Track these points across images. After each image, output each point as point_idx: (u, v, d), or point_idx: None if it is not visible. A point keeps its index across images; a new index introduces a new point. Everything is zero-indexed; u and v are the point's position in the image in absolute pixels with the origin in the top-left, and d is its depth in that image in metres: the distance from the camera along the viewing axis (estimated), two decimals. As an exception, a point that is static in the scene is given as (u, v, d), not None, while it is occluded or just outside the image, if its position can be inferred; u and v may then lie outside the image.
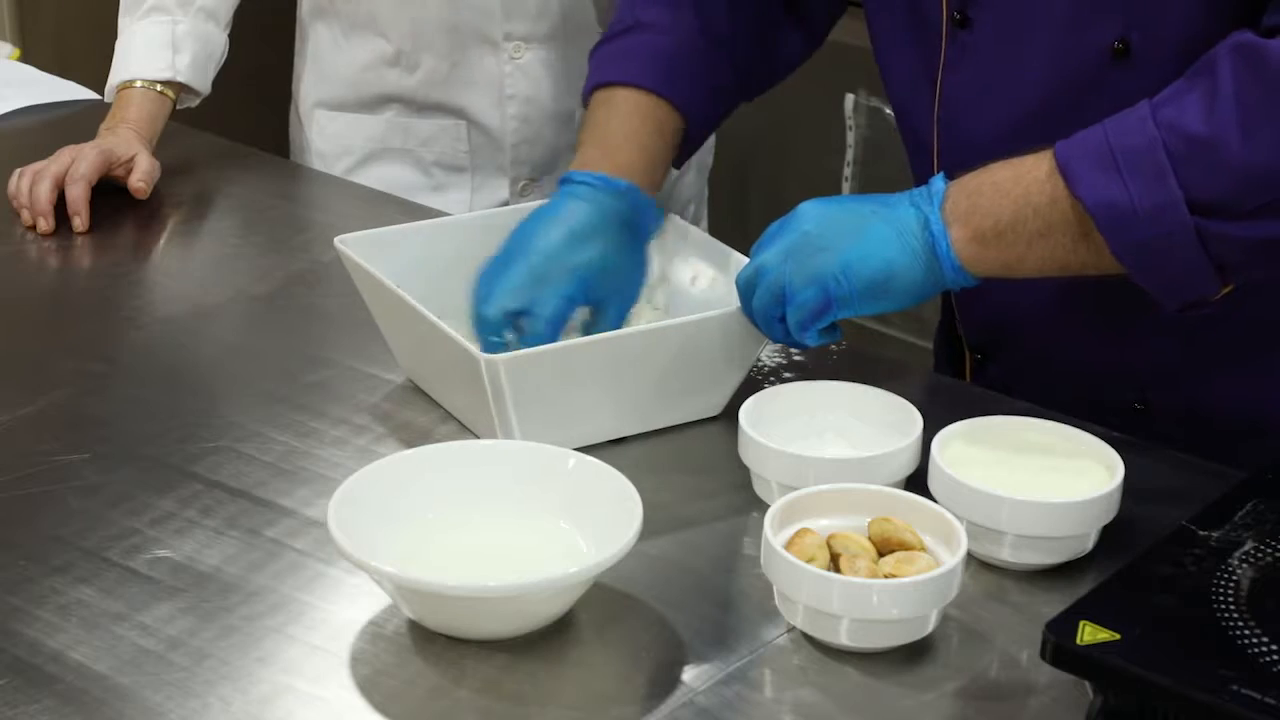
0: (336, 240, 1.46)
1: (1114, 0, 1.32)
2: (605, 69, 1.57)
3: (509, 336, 1.39)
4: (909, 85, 1.50)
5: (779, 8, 1.61)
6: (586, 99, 1.57)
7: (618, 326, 1.45)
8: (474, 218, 1.57)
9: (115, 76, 1.96)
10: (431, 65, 1.98)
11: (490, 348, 1.37)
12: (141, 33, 1.96)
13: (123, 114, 1.92)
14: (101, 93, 2.02)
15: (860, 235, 1.31)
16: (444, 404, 1.44)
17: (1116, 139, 1.25)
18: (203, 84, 1.98)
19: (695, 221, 2.18)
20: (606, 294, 1.44)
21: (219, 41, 2.00)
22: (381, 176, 2.03)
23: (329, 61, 2.05)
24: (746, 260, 1.47)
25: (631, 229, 1.46)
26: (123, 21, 1.99)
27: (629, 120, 1.52)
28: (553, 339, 1.39)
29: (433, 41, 1.97)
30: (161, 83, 1.94)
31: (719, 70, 1.58)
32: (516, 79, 1.98)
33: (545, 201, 1.49)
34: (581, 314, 1.45)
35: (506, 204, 2.03)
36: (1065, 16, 1.35)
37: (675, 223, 1.54)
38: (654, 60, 1.54)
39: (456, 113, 2.01)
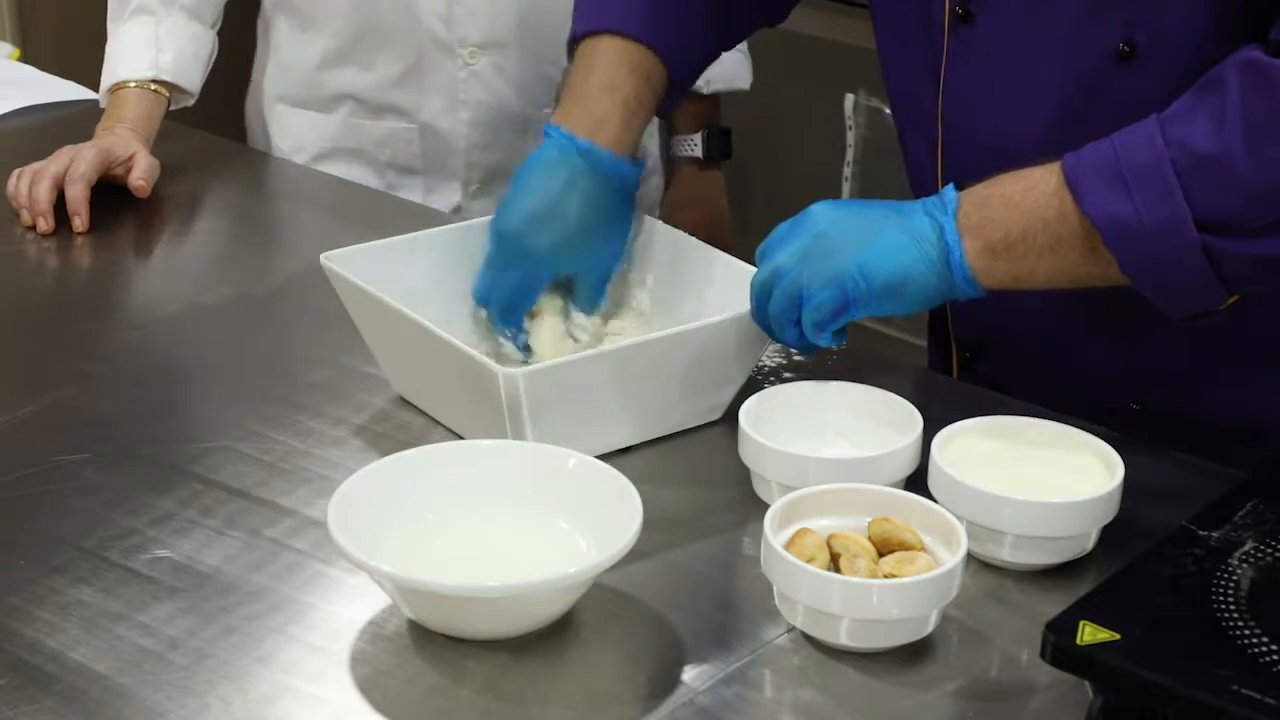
0: (322, 257, 1.44)
1: (1117, 1, 1.32)
2: (587, 17, 1.56)
3: (505, 332, 1.49)
4: (913, 81, 1.49)
5: None
6: (571, 49, 1.57)
7: (593, 299, 1.49)
8: (459, 229, 1.55)
9: (106, 81, 1.96)
10: (385, 67, 1.99)
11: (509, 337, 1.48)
12: (127, 35, 1.97)
13: (119, 113, 1.92)
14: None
15: (876, 238, 1.31)
16: (445, 421, 1.43)
17: (1125, 155, 1.25)
18: (190, 82, 1.97)
19: None
20: (579, 264, 1.46)
21: (206, 39, 2.00)
22: (336, 175, 2.04)
23: (288, 56, 2.05)
24: (736, 261, 1.47)
25: (602, 194, 1.47)
26: (110, 28, 2.00)
27: (612, 69, 1.52)
28: (514, 324, 1.47)
29: (387, 43, 1.97)
30: (153, 81, 1.94)
31: (698, 14, 1.58)
32: (471, 85, 1.98)
33: None
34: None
35: (459, 208, 2.03)
36: (1069, 17, 1.35)
37: (654, 224, 1.54)
38: (635, 6, 1.54)
39: (409, 116, 2.01)
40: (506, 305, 1.48)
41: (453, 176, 2.03)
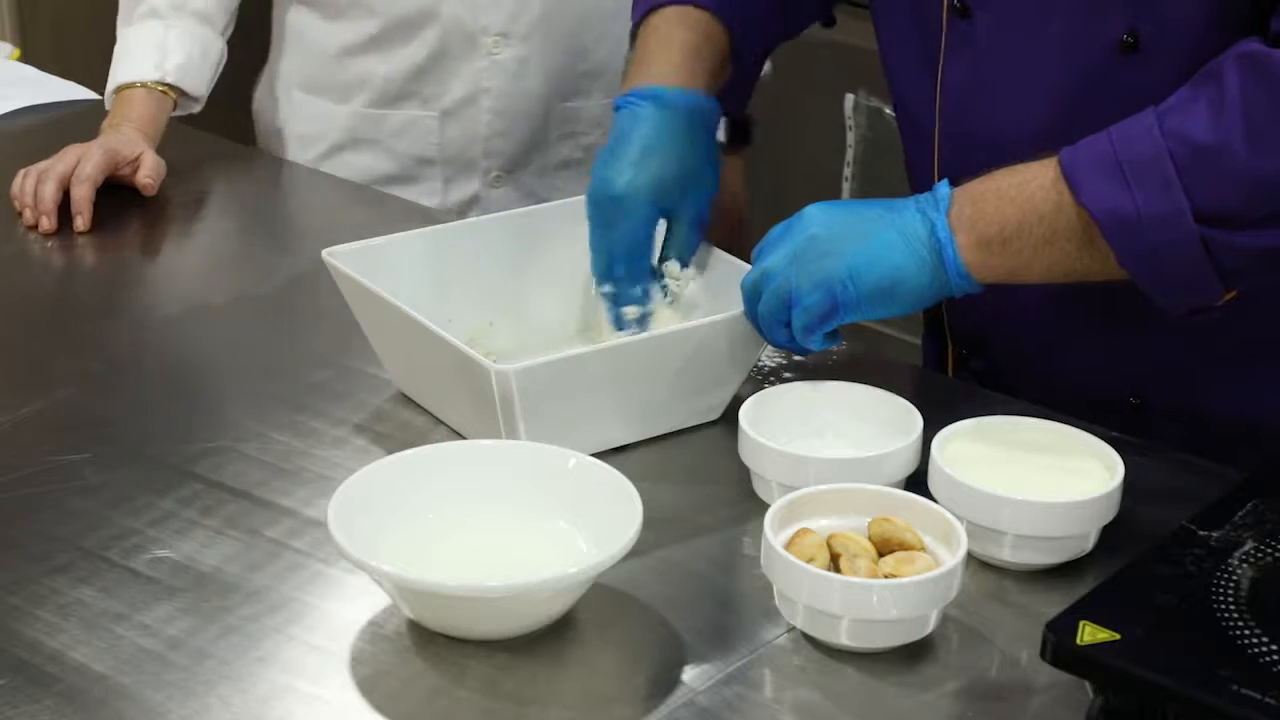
0: (324, 253, 1.45)
1: None
2: (643, 2, 1.56)
3: (635, 292, 1.46)
4: (912, 76, 1.50)
5: None
6: (633, 37, 1.57)
7: (695, 234, 1.48)
8: (464, 225, 1.56)
9: (111, 82, 1.97)
10: (408, 55, 1.99)
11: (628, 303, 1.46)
12: (134, 37, 1.97)
13: (125, 113, 1.92)
14: (101, 93, 2.02)
15: (867, 240, 1.31)
16: (443, 417, 1.43)
17: (1122, 148, 1.25)
18: (196, 87, 1.97)
19: None
20: (674, 205, 1.44)
21: (214, 45, 2.00)
22: (354, 165, 2.04)
23: (310, 42, 2.05)
24: (735, 261, 1.47)
25: (682, 129, 1.46)
26: (119, 29, 2.00)
27: (666, 30, 1.52)
28: (646, 278, 1.45)
29: (411, 31, 1.97)
30: (159, 84, 1.94)
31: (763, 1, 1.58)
32: (493, 74, 1.99)
33: (556, 204, 1.55)
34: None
35: (477, 197, 2.04)
36: (1071, 9, 1.35)
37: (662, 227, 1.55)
38: None
39: (430, 104, 2.01)
40: (630, 258, 1.45)
41: (471, 166, 2.04)
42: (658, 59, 1.50)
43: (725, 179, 2.22)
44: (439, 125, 2.02)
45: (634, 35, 1.57)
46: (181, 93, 1.96)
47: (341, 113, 2.04)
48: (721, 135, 2.18)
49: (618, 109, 1.49)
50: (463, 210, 2.03)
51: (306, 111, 2.07)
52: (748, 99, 1.64)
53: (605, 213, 1.45)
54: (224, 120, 2.16)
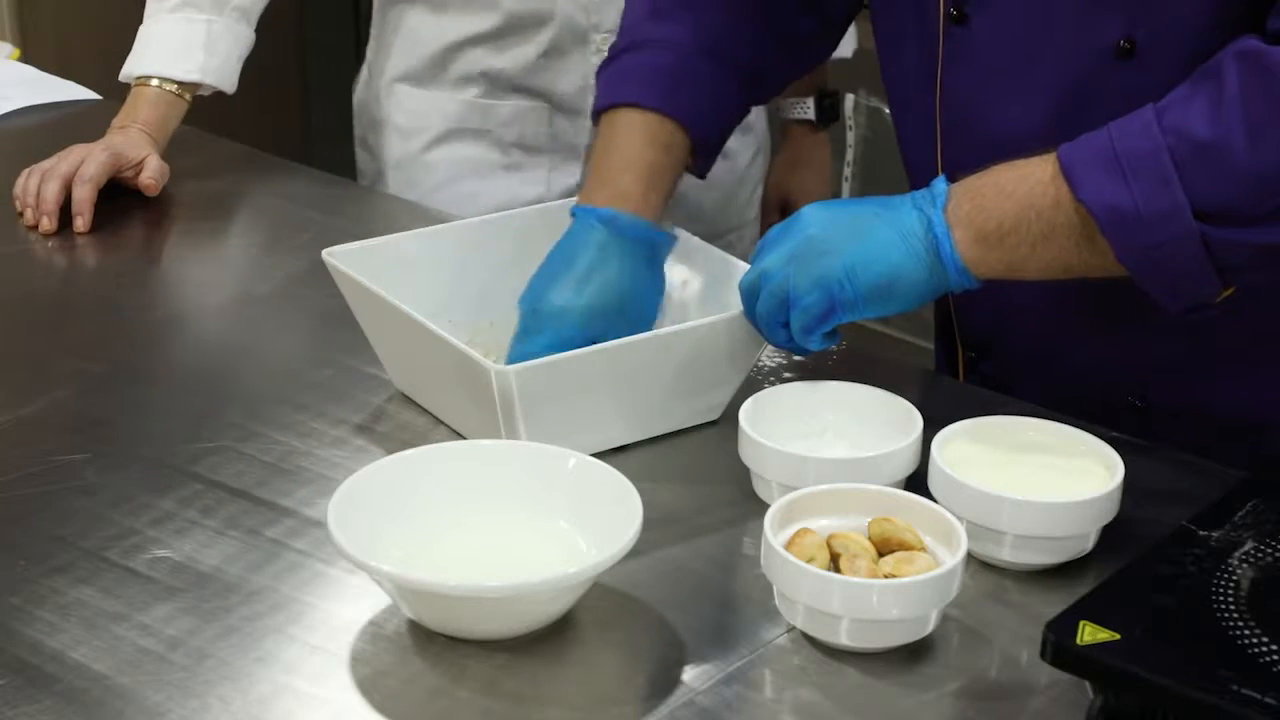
0: (324, 253, 1.45)
1: None
2: (607, 92, 1.55)
3: None
4: (911, 82, 1.50)
5: (790, 10, 1.60)
6: (595, 121, 1.56)
7: None
8: (464, 225, 1.56)
9: (137, 65, 1.94)
10: (521, 49, 1.98)
11: None
12: (172, 27, 1.94)
13: (135, 113, 1.92)
14: (101, 93, 2.01)
15: (864, 239, 1.31)
16: (443, 417, 1.43)
17: (1121, 143, 1.25)
18: (230, 84, 1.97)
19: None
20: (604, 332, 1.41)
21: (248, 41, 1.99)
22: (458, 154, 2.03)
23: (416, 36, 2.03)
24: (735, 261, 1.47)
25: (630, 256, 1.45)
26: (151, 7, 1.97)
27: (630, 143, 1.51)
28: None
29: (525, 28, 1.97)
30: (179, 83, 1.93)
31: (722, 80, 1.56)
32: None
33: (556, 203, 1.55)
34: None
35: (581, 184, 2.03)
36: (1068, 16, 1.35)
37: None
38: (654, 78, 1.52)
39: (541, 96, 2.01)
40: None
41: (576, 155, 2.03)
42: (618, 180, 1.48)
43: (817, 158, 2.23)
44: (549, 116, 2.01)
45: (596, 116, 1.55)
46: (207, 87, 1.96)
47: (450, 102, 2.03)
48: (810, 114, 2.19)
49: (574, 215, 1.47)
50: (567, 196, 2.03)
51: (410, 105, 2.05)
52: (711, 163, 1.63)
53: (531, 323, 1.42)
54: (241, 121, 2.16)
